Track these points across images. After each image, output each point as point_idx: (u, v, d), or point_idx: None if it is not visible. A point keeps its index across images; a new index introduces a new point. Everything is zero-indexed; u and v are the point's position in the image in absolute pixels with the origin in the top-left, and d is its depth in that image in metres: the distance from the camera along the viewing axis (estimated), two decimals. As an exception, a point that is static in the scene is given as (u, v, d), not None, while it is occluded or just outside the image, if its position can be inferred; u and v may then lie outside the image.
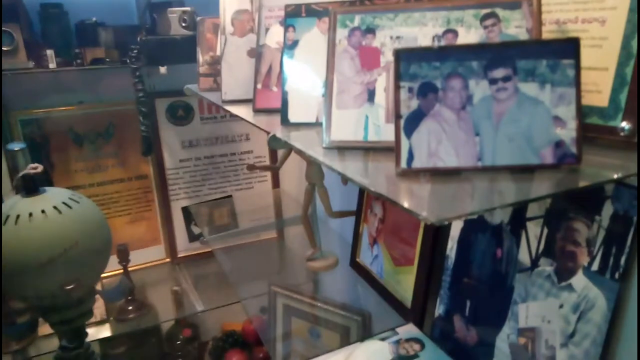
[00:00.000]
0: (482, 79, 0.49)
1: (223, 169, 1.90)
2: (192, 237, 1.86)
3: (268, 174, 1.94)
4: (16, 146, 1.03)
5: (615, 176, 0.50)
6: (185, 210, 1.85)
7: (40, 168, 0.93)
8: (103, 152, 1.70)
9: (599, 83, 0.56)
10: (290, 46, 0.80)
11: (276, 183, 1.94)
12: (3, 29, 1.29)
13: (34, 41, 1.41)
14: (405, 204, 0.43)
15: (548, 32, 0.60)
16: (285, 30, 0.80)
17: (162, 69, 1.45)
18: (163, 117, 1.75)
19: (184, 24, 1.44)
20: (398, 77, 0.51)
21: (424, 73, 0.50)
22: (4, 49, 1.30)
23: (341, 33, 0.65)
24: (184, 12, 1.44)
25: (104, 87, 1.63)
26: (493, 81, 0.49)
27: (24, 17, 1.38)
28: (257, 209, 1.95)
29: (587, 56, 0.56)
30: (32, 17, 1.46)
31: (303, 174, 1.27)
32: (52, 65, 1.37)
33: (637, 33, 0.52)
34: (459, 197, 0.46)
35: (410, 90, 0.50)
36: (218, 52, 1.27)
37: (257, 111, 0.94)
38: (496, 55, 0.49)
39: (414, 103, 0.50)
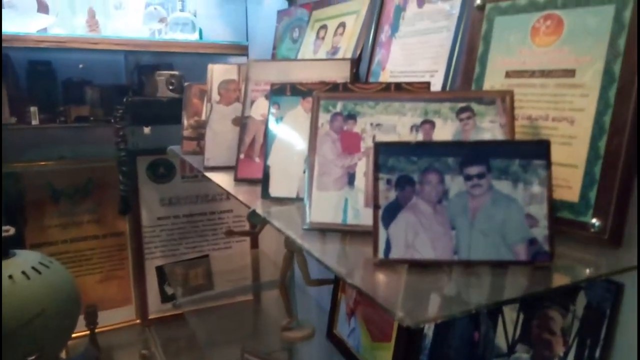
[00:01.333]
0: (457, 175, 0.51)
1: (201, 227, 1.87)
2: (165, 298, 1.80)
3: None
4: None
5: (587, 274, 0.51)
6: (160, 270, 1.80)
7: (11, 230, 0.91)
8: (80, 208, 1.67)
9: (569, 179, 0.58)
10: (274, 123, 0.82)
11: (255, 244, 1.92)
12: (-13, 85, 1.29)
13: (18, 97, 1.42)
14: (382, 302, 0.42)
15: (520, 127, 0.63)
16: (270, 107, 0.83)
17: (147, 129, 1.46)
18: (144, 174, 1.74)
19: (171, 87, 1.47)
20: (377, 169, 0.52)
21: (402, 166, 0.52)
22: (-14, 104, 1.30)
23: (324, 117, 0.67)
24: (172, 75, 1.47)
25: (85, 144, 1.62)
26: (468, 177, 0.51)
27: (11, 73, 1.39)
28: (234, 269, 1.91)
29: (558, 153, 0.59)
30: (19, 73, 1.47)
31: (282, 237, 1.26)
32: (34, 122, 1.37)
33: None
34: (435, 294, 0.47)
35: (388, 182, 0.52)
36: (203, 117, 1.29)
37: (238, 180, 0.95)
38: (471, 153, 0.51)
39: (392, 194, 0.52)
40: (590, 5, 0.58)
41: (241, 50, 1.56)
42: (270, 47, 1.53)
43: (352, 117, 0.66)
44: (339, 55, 1.13)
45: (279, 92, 0.83)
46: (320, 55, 1.19)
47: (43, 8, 1.43)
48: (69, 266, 1.47)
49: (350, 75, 0.97)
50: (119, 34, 1.44)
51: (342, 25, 1.15)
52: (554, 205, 0.52)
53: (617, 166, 0.54)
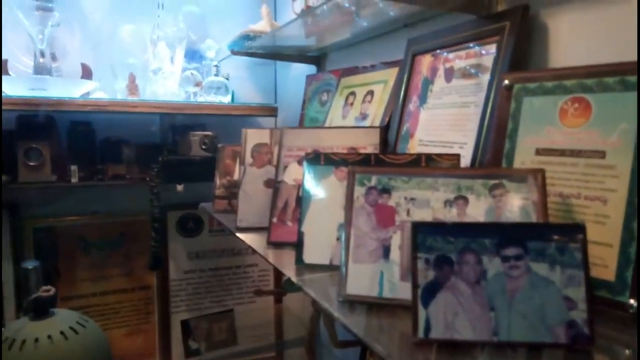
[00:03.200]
0: (495, 256, 0.53)
1: (227, 281, 1.89)
2: (189, 353, 1.80)
3: (271, 286, 1.92)
4: (29, 264, 1.05)
5: (627, 355, 0.51)
6: (184, 324, 1.81)
7: (52, 291, 0.94)
8: (110, 261, 1.71)
9: (604, 258, 0.59)
10: (308, 190, 0.85)
11: (279, 299, 1.92)
12: (33, 146, 1.37)
13: (60, 155, 1.49)
14: (425, 387, 0.43)
15: (552, 204, 0.65)
16: (305, 175, 0.86)
17: (179, 187, 1.51)
18: (173, 228, 1.78)
19: (204, 147, 1.53)
20: (415, 248, 0.54)
21: (440, 246, 0.54)
22: (31, 163, 1.37)
23: (359, 191, 0.70)
24: (206, 135, 1.54)
25: (118, 199, 1.68)
26: (505, 259, 0.52)
27: (55, 135, 1.47)
28: (257, 325, 1.90)
29: (592, 231, 0.60)
30: (60, 132, 1.55)
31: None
32: (74, 180, 1.43)
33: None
34: (477, 379, 0.47)
35: (427, 261, 0.53)
36: (235, 177, 1.34)
37: (271, 244, 0.97)
38: (508, 235, 0.53)
39: (431, 274, 0.53)
40: (616, 91, 0.61)
41: (271, 111, 1.63)
42: (298, 108, 1.60)
43: (386, 191, 0.69)
44: (368, 121, 1.17)
45: (313, 161, 0.86)
46: (349, 120, 1.24)
47: (87, 74, 1.53)
48: (97, 319, 1.49)
49: (380, 143, 1.01)
50: (156, 97, 1.52)
51: (371, 93, 1.20)
52: (592, 284, 0.52)
53: (652, 247, 0.55)
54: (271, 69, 1.88)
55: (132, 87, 1.52)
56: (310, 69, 1.60)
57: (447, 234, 0.54)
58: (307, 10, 1.28)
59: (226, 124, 1.71)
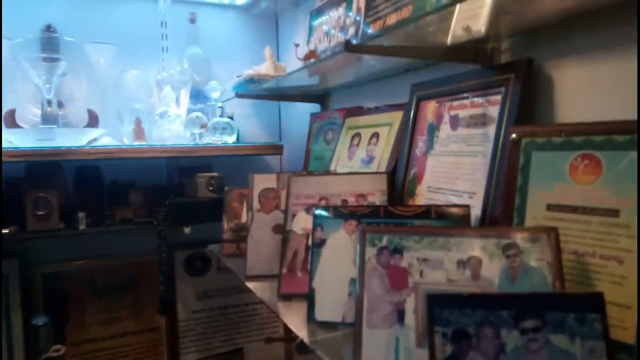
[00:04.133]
0: (513, 329, 0.52)
1: (235, 319, 1.87)
2: (199, 394, 1.77)
3: (280, 325, 1.90)
4: (40, 321, 1.04)
5: None
6: (194, 365, 1.79)
7: (62, 350, 0.93)
8: (119, 304, 1.70)
9: (623, 320, 0.58)
10: (318, 244, 0.85)
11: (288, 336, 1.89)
12: (41, 195, 1.38)
13: (67, 202, 1.49)
14: None
15: (567, 262, 0.64)
16: (314, 230, 0.86)
17: (187, 230, 1.51)
18: (181, 268, 1.77)
19: (210, 188, 1.53)
20: (432, 322, 0.53)
21: (457, 319, 0.53)
22: (39, 213, 1.37)
23: (370, 251, 0.69)
24: (212, 177, 1.54)
25: (127, 242, 1.68)
26: (524, 331, 0.51)
27: (62, 182, 1.48)
28: (268, 363, 1.88)
29: (609, 292, 0.59)
30: (68, 178, 1.56)
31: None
32: (82, 226, 1.43)
33: None
34: None
35: (444, 335, 0.53)
36: (243, 220, 1.33)
37: (282, 296, 0.96)
38: (525, 306, 0.52)
39: (449, 349, 0.52)
40: (627, 150, 0.61)
41: (276, 150, 1.64)
42: (303, 145, 1.60)
43: (398, 251, 0.68)
44: (374, 163, 1.17)
45: (322, 215, 0.86)
46: (355, 161, 1.24)
47: (94, 119, 1.54)
48: (107, 365, 1.48)
49: (388, 188, 1.01)
50: (163, 140, 1.53)
51: (376, 135, 1.20)
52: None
53: (672, 311, 0.54)
54: (275, 106, 1.90)
55: (139, 131, 1.53)
56: (314, 107, 1.61)
57: (464, 306, 0.53)
58: (311, 56, 1.29)
59: (232, 163, 1.72)
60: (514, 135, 0.74)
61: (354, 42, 0.76)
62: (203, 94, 1.72)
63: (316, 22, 1.55)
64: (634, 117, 0.65)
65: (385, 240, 0.69)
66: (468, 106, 0.89)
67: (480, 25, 0.80)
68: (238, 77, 1.57)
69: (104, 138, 1.53)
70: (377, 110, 1.24)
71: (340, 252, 0.83)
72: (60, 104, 1.51)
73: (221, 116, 1.64)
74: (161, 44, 1.74)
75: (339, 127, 1.41)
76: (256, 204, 1.18)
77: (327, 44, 1.45)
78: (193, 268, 1.79)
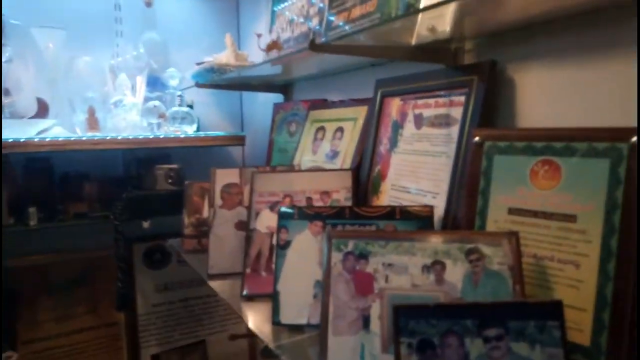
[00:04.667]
0: (476, 337, 0.53)
1: (197, 311, 1.84)
2: (161, 389, 1.75)
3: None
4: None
5: None
6: (155, 358, 1.76)
7: (14, 357, 0.89)
8: (75, 300, 1.64)
9: (579, 322, 0.60)
10: (282, 246, 0.83)
11: (252, 327, 1.89)
12: (-12, 189, 1.30)
13: (17, 195, 1.42)
14: None
15: (527, 265, 0.66)
16: (279, 231, 0.84)
17: (146, 224, 1.46)
18: (140, 261, 1.73)
19: (170, 180, 1.49)
20: (398, 332, 0.53)
21: (422, 329, 0.53)
22: (-15, 208, 1.30)
23: (336, 257, 0.69)
24: (171, 169, 1.49)
25: (82, 236, 1.61)
26: (487, 340, 0.52)
27: (10, 175, 1.40)
28: (230, 354, 1.87)
29: (566, 295, 0.61)
30: (16, 170, 1.48)
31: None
32: (32, 222, 1.36)
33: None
34: None
35: (409, 346, 0.53)
36: (204, 215, 1.30)
37: (246, 297, 0.95)
38: (488, 315, 0.53)
39: (414, 358, 0.53)
40: (586, 157, 0.62)
41: (238, 140, 1.60)
42: (266, 135, 1.58)
43: (364, 256, 0.68)
44: (339, 158, 1.16)
45: (287, 215, 0.85)
46: (320, 156, 1.23)
47: (43, 109, 1.46)
48: (63, 363, 1.43)
49: (352, 185, 1.01)
50: (118, 130, 1.47)
51: (340, 130, 1.19)
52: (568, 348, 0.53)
53: (625, 315, 0.57)
54: (237, 95, 1.85)
55: (92, 120, 1.46)
56: (277, 97, 1.58)
57: (430, 316, 0.53)
58: (273, 46, 1.26)
59: (193, 154, 1.67)
60: (477, 138, 0.74)
61: (319, 41, 0.74)
62: (161, 82, 1.66)
63: (279, 9, 1.51)
64: (592, 124, 0.67)
65: (351, 245, 0.69)
66: (432, 105, 0.89)
67: (445, 26, 0.79)
68: (198, 64, 1.52)
69: (54, 128, 1.45)
70: (342, 104, 1.23)
71: (305, 253, 0.82)
72: (6, 92, 1.42)
73: (180, 105, 1.59)
74: (115, 28, 1.66)
75: (302, 119, 1.39)
76: (218, 200, 1.16)
77: (290, 33, 1.42)
78: (152, 261, 1.75)
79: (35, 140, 1.30)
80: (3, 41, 1.40)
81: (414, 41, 0.84)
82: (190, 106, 1.68)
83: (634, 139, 0.58)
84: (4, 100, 1.41)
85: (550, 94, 0.73)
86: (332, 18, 1.14)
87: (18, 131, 1.29)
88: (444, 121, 0.86)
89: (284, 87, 1.54)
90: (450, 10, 0.79)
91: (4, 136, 1.26)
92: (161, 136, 1.47)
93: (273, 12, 1.55)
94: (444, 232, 0.74)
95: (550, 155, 0.66)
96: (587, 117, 0.68)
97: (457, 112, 0.83)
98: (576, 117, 0.70)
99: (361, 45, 0.78)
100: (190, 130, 1.59)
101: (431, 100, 0.89)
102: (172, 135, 1.49)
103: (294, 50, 0.97)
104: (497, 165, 0.72)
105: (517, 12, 0.68)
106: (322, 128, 1.27)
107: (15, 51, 1.39)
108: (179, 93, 1.58)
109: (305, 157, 1.28)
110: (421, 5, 0.86)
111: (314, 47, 0.74)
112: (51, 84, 1.47)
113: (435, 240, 0.66)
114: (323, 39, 1.02)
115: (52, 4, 1.56)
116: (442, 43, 0.83)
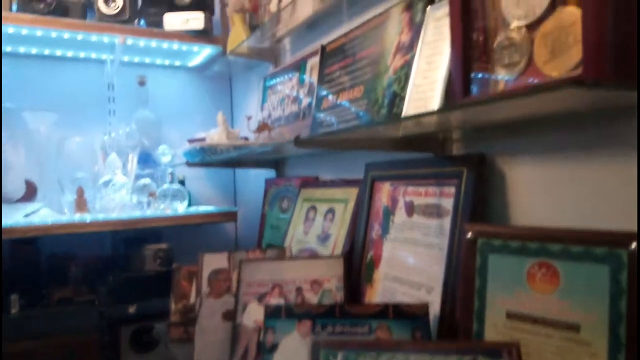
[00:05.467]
0: None
1: (188, 396, 1.74)
2: None
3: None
4: None
5: None
6: None
7: None
8: (56, 389, 1.54)
9: None
10: (269, 349, 0.78)
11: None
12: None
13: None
14: None
15: (531, 378, 0.61)
16: (265, 332, 0.79)
17: (132, 309, 1.40)
18: (127, 345, 1.64)
19: (159, 261, 1.45)
20: None
21: None
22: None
23: (324, 370, 0.64)
24: (160, 249, 1.45)
25: (67, 320, 1.54)
26: None
27: (-7, 261, 1.36)
28: None
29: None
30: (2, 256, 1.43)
31: None
32: (14, 310, 1.31)
33: None
34: None
35: None
36: (191, 301, 1.25)
37: (231, 399, 0.88)
38: None
39: None
40: (584, 261, 0.59)
41: (229, 217, 1.57)
42: (259, 210, 1.55)
43: (354, 369, 0.63)
44: (330, 242, 1.13)
45: (274, 314, 0.80)
46: (311, 237, 1.20)
47: (31, 191, 1.44)
48: None
49: (344, 274, 0.97)
50: (107, 210, 1.44)
51: (332, 211, 1.16)
52: None
53: None
54: (230, 169, 1.84)
55: (81, 202, 1.44)
56: (270, 172, 1.57)
57: None
58: (263, 128, 1.26)
59: (184, 231, 1.64)
60: (469, 235, 0.71)
61: (303, 136, 0.73)
62: (152, 159, 1.65)
63: (270, 89, 1.54)
64: (590, 224, 0.64)
65: (340, 357, 0.64)
66: (422, 194, 0.87)
67: (430, 118, 0.78)
68: (190, 141, 1.51)
69: (42, 210, 1.43)
70: (332, 184, 1.21)
71: (293, 357, 0.77)
72: (-6, 175, 1.41)
73: (171, 182, 1.57)
74: (108, 107, 1.67)
75: (294, 195, 1.37)
76: (205, 288, 1.11)
77: (281, 112, 1.43)
78: (140, 344, 1.66)
79: (21, 226, 1.27)
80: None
81: (400, 132, 0.83)
82: (182, 182, 1.67)
83: (634, 245, 0.55)
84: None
85: (543, 190, 0.71)
86: (320, 115, 1.15)
87: (4, 215, 1.26)
88: (435, 211, 0.83)
89: (276, 163, 1.53)
90: (435, 101, 0.78)
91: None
92: (150, 215, 1.44)
93: (265, 89, 1.57)
94: (440, 343, 0.70)
95: (546, 257, 0.63)
96: (583, 216, 0.66)
97: (448, 203, 0.80)
98: (572, 216, 0.67)
99: (347, 139, 0.77)
100: (181, 207, 1.56)
101: (421, 189, 0.87)
102: (161, 215, 1.46)
103: (283, 142, 0.96)
104: (492, 265, 0.68)
105: (501, 115, 0.67)
106: (313, 208, 1.24)
107: (6, 134, 1.39)
108: (170, 170, 1.57)
109: (296, 238, 1.24)
110: (407, 94, 0.86)
111: (299, 142, 0.73)
112: (41, 166, 1.46)
113: (431, 351, 0.62)
114: (310, 133, 1.02)
115: (46, 87, 1.58)
116: (430, 132, 0.82)
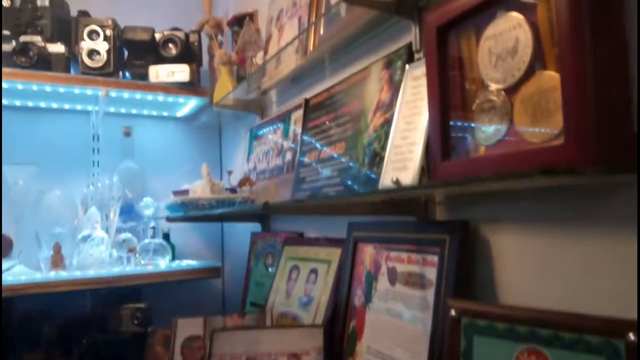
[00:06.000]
0: None
1: None
2: None
3: None
4: None
5: None
6: None
7: None
8: None
9: None
10: None
11: None
12: None
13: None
14: None
15: None
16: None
17: (106, 374, 1.32)
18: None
19: (136, 321, 1.37)
20: None
21: None
22: None
23: None
24: (138, 309, 1.38)
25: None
26: None
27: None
28: None
29: None
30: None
31: None
32: (-22, 377, 1.22)
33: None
34: None
35: None
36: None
37: None
38: None
39: None
40: (577, 351, 0.52)
41: (213, 273, 1.51)
42: (242, 266, 1.49)
43: None
44: (312, 306, 1.06)
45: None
46: (293, 300, 1.13)
47: (7, 246, 1.38)
48: None
49: (324, 345, 0.90)
50: (84, 266, 1.38)
51: (314, 272, 1.10)
52: None
53: None
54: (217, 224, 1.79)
55: (57, 258, 1.38)
56: (255, 226, 1.51)
57: None
58: (245, 182, 1.22)
59: (167, 287, 1.57)
60: (453, 312, 0.65)
61: (272, 202, 0.68)
62: (135, 211, 1.60)
63: (256, 140, 1.50)
64: (583, 307, 0.58)
65: None
66: (405, 261, 0.81)
67: (410, 179, 0.74)
68: (174, 193, 1.46)
69: (16, 267, 1.36)
70: (316, 242, 1.15)
71: None
72: (-31, 229, 1.36)
73: (153, 237, 1.51)
74: (92, 158, 1.64)
75: (279, 252, 1.30)
76: (178, 357, 1.03)
77: (266, 165, 1.39)
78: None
79: (-10, 285, 1.20)
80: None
81: (379, 197, 0.78)
82: (167, 234, 1.61)
83: (632, 336, 0.49)
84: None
85: (532, 263, 0.65)
86: (302, 169, 1.11)
87: (-28, 276, 1.20)
88: (418, 281, 0.77)
89: (261, 216, 1.47)
90: (414, 164, 0.74)
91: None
92: (129, 272, 1.38)
93: (251, 141, 1.54)
94: None
95: (536, 343, 0.56)
96: (575, 296, 0.59)
97: (431, 273, 0.74)
98: (563, 295, 0.61)
99: (319, 205, 0.72)
100: (163, 262, 1.50)
101: (404, 255, 0.81)
102: (141, 272, 1.40)
103: (254, 205, 0.91)
104: (478, 348, 0.62)
105: (481, 188, 0.62)
106: (296, 267, 1.18)
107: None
108: (152, 224, 1.52)
109: (278, 300, 1.17)
110: (386, 154, 0.81)
111: (267, 209, 0.68)
112: (18, 220, 1.41)
113: None
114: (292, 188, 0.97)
115: (29, 139, 1.55)
116: (411, 196, 0.77)
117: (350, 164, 0.93)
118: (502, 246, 0.69)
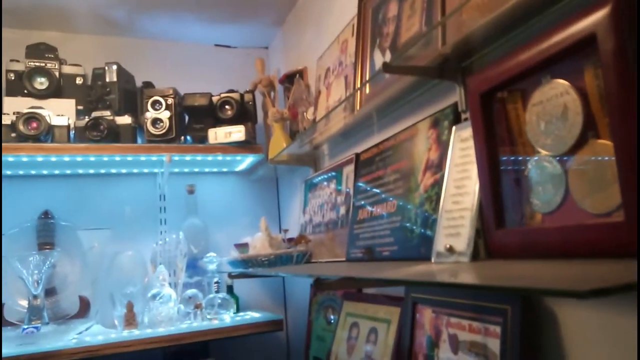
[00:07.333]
0: None
1: None
2: None
3: None
4: None
5: None
6: None
7: None
8: None
9: None
10: None
11: None
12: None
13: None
14: None
15: None
16: None
17: None
18: None
19: (204, 378, 1.40)
20: None
21: None
22: None
23: None
24: (205, 365, 1.41)
25: None
26: None
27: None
28: None
29: None
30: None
31: None
32: None
33: None
34: None
35: None
36: None
37: None
38: None
39: None
40: None
41: (275, 326, 1.52)
42: (304, 316, 1.49)
43: None
44: (375, 367, 1.03)
45: None
46: (355, 359, 1.11)
47: (85, 306, 1.48)
48: None
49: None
50: (154, 322, 1.44)
51: (374, 331, 1.08)
52: None
53: None
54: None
55: (130, 317, 1.45)
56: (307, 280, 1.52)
57: None
58: (301, 240, 1.23)
59: (232, 341, 1.60)
60: (519, 394, 0.61)
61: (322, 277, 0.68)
62: (200, 266, 1.66)
63: (310, 192, 1.52)
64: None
65: None
66: (466, 329, 0.77)
67: (463, 246, 0.71)
68: (237, 245, 1.50)
69: (94, 327, 1.45)
70: (374, 299, 1.13)
71: None
72: (53, 291, 1.47)
73: (217, 291, 1.56)
74: (160, 217, 1.73)
75: (338, 305, 1.29)
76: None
77: (321, 218, 1.40)
78: None
79: (69, 348, 1.28)
80: (54, 240, 1.49)
81: (433, 260, 0.76)
82: (231, 286, 1.65)
83: None
84: (50, 299, 1.45)
85: (603, 338, 0.60)
86: (355, 227, 1.11)
87: (55, 338, 1.29)
88: (482, 352, 0.73)
89: (320, 268, 1.48)
90: (467, 231, 0.72)
91: (43, 344, 1.26)
92: (196, 329, 1.42)
93: (306, 193, 1.56)
94: None
95: None
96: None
97: (494, 344, 0.71)
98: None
99: (366, 278, 0.71)
100: (227, 316, 1.53)
101: (465, 322, 0.78)
102: (207, 327, 1.44)
103: (304, 274, 0.91)
104: None
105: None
106: (356, 325, 1.16)
107: (63, 251, 1.46)
108: (216, 279, 1.56)
109: (340, 359, 1.16)
110: (438, 218, 0.80)
111: (319, 285, 0.69)
112: (94, 282, 1.50)
113: None
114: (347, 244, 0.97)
115: (101, 203, 1.67)
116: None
117: (405, 224, 0.91)
118: (569, 318, 0.64)
